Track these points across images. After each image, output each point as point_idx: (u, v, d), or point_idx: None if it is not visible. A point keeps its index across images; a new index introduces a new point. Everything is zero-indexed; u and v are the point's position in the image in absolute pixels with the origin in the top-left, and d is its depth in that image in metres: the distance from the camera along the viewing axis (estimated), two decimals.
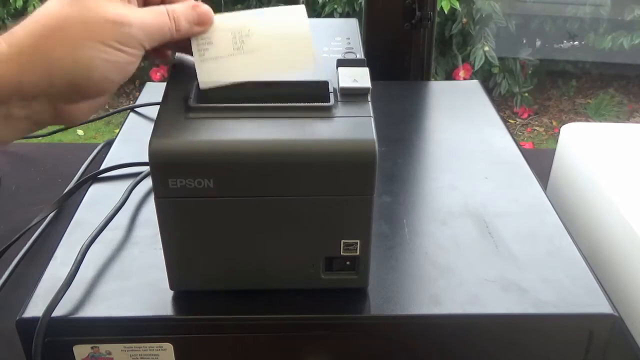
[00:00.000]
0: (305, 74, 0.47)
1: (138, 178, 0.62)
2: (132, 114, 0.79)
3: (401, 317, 0.47)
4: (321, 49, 0.53)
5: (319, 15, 2.67)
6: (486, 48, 2.63)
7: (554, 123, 2.85)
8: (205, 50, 0.46)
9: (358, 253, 0.46)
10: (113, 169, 0.65)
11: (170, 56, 0.50)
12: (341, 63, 0.49)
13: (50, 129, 0.87)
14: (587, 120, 2.81)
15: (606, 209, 0.63)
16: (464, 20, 2.63)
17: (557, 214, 0.58)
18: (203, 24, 0.46)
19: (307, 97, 0.45)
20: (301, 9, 0.47)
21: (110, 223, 0.55)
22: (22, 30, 0.40)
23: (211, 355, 0.49)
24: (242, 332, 0.48)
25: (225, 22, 0.47)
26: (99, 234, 0.53)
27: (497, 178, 0.64)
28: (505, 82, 2.75)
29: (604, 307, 0.48)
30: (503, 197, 0.60)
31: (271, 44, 0.47)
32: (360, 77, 0.47)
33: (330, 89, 0.46)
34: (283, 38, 0.47)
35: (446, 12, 2.47)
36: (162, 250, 0.46)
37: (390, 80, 0.90)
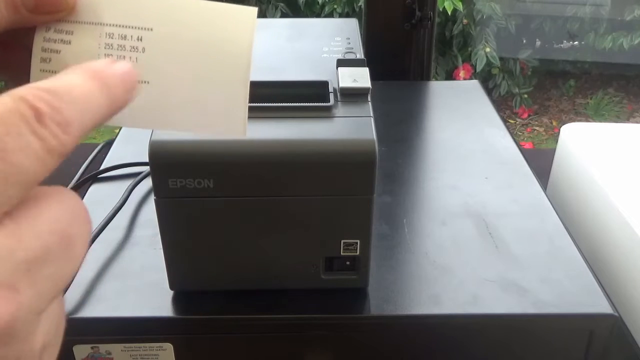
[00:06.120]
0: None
1: (138, 178, 0.62)
2: None
3: (401, 317, 0.47)
4: (321, 49, 0.53)
5: (318, 15, 2.67)
6: (487, 49, 2.63)
7: (554, 123, 2.85)
8: (49, 58, 0.26)
9: (358, 253, 0.46)
10: (113, 169, 0.65)
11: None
12: (341, 63, 0.49)
13: None
14: (587, 120, 2.81)
15: (606, 209, 0.63)
16: (465, 21, 2.64)
17: (557, 214, 0.58)
18: (45, 10, 0.25)
19: (307, 97, 0.45)
20: (250, 15, 0.26)
21: (110, 223, 0.55)
22: None
23: (211, 355, 0.49)
24: (242, 332, 0.48)
25: (103, 9, 0.26)
26: (99, 234, 0.53)
27: (497, 178, 0.64)
28: (505, 83, 2.76)
29: (604, 307, 0.48)
30: (503, 197, 0.60)
31: (173, 72, 0.26)
32: (360, 77, 0.47)
33: (330, 89, 0.46)
34: (199, 68, 0.26)
35: (449, 12, 2.48)
36: (162, 250, 0.46)
37: (390, 80, 0.90)
